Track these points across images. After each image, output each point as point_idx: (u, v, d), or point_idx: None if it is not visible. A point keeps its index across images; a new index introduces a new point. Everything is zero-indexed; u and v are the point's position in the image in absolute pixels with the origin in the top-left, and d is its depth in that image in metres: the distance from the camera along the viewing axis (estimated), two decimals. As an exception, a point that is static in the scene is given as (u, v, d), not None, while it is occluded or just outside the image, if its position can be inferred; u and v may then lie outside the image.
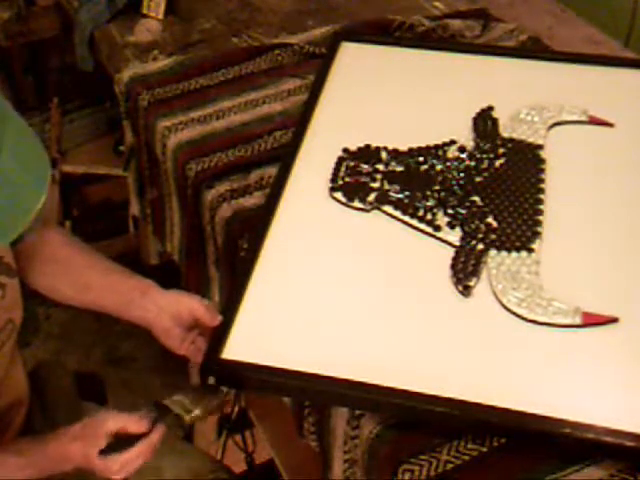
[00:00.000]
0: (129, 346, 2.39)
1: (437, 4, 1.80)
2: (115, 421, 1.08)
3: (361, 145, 1.36)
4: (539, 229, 1.22)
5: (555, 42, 1.68)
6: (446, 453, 1.02)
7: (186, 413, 1.08)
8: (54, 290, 1.24)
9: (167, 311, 1.16)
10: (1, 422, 1.22)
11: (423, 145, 1.35)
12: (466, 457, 1.02)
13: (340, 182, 1.30)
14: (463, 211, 1.24)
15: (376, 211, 1.26)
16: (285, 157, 1.36)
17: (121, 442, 1.07)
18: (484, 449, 1.02)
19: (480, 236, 1.21)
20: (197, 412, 1.09)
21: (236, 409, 1.79)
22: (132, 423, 1.07)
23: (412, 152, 1.34)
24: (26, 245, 1.20)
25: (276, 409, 1.59)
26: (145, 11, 1.77)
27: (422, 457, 1.01)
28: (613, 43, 1.71)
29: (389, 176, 1.31)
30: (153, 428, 1.07)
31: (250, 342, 1.10)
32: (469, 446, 1.02)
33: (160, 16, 1.76)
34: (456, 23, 1.69)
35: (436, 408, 1.01)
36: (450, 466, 1.01)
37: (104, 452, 1.06)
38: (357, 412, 1.07)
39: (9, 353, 1.19)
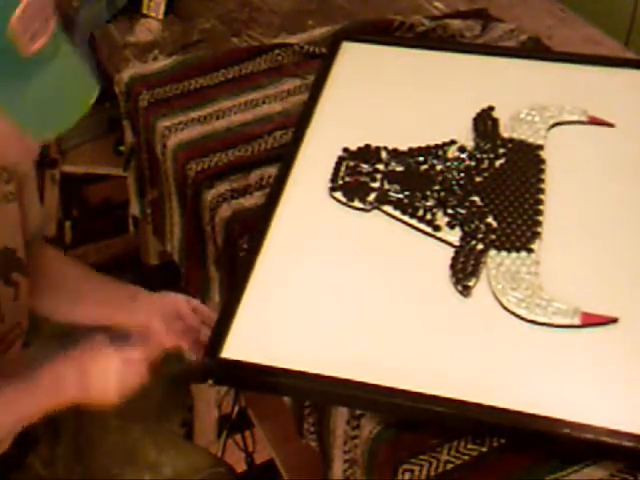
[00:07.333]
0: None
1: (437, 4, 1.80)
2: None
3: (361, 145, 1.36)
4: (539, 229, 1.22)
5: (555, 42, 1.68)
6: (446, 453, 1.02)
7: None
8: (47, 306, 1.24)
9: (156, 312, 1.16)
10: None
11: (423, 145, 1.35)
12: (466, 457, 1.02)
13: (340, 182, 1.30)
14: (463, 211, 1.24)
15: (376, 211, 1.27)
16: (285, 157, 1.36)
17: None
18: (484, 449, 1.02)
19: (480, 236, 1.21)
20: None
21: (236, 409, 1.79)
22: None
23: (412, 152, 1.34)
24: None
25: (276, 409, 1.59)
26: (145, 11, 1.77)
27: (422, 457, 1.01)
28: (613, 43, 1.71)
29: (389, 176, 1.31)
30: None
31: (250, 341, 1.10)
32: (469, 446, 1.02)
33: (160, 16, 1.76)
34: (456, 23, 1.69)
35: (435, 408, 1.02)
36: (450, 466, 1.01)
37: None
38: (357, 412, 1.07)
39: (15, 357, 1.19)
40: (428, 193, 1.27)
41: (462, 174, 1.30)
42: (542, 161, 1.33)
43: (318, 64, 1.57)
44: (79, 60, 0.95)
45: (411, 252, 1.21)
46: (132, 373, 1.06)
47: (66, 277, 1.25)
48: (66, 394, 1.06)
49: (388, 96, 1.47)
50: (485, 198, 1.26)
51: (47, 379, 1.06)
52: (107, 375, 1.05)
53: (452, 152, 1.34)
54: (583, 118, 1.40)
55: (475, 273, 1.16)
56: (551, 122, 1.39)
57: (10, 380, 1.08)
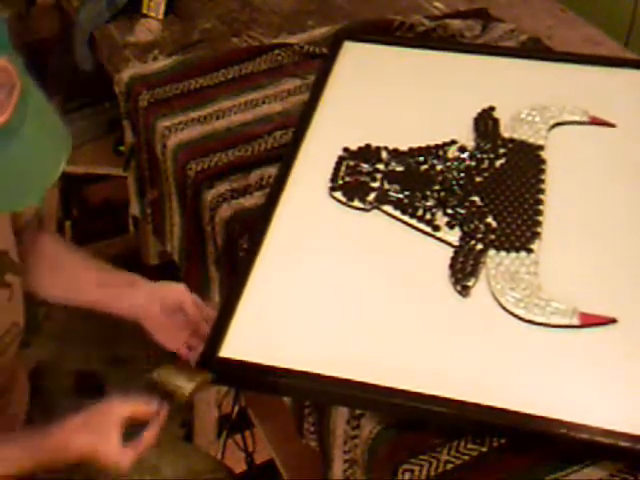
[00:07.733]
0: (129, 346, 2.38)
1: (437, 4, 1.80)
2: (124, 408, 1.06)
3: (361, 144, 1.36)
4: (538, 229, 1.22)
5: (555, 42, 1.68)
6: (446, 453, 1.02)
7: (178, 390, 1.07)
8: (44, 288, 1.25)
9: (155, 301, 1.17)
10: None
11: (423, 145, 1.35)
12: (466, 457, 1.02)
13: (340, 182, 1.30)
14: (462, 211, 1.24)
15: (376, 211, 1.27)
16: (285, 157, 1.36)
17: (135, 427, 1.05)
18: (484, 449, 1.02)
19: (479, 236, 1.21)
20: (189, 387, 1.07)
21: (236, 409, 1.79)
22: (142, 407, 1.06)
23: (412, 152, 1.34)
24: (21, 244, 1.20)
25: (276, 409, 1.59)
26: (145, 11, 1.77)
27: (422, 457, 1.01)
28: (613, 43, 1.71)
29: (389, 176, 1.31)
30: (160, 408, 1.06)
31: (248, 341, 1.10)
32: (469, 446, 1.02)
33: (160, 16, 1.76)
34: (456, 23, 1.69)
35: (434, 408, 1.02)
36: (450, 466, 1.01)
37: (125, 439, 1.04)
38: (357, 412, 1.07)
39: (13, 356, 1.20)
40: (428, 193, 1.27)
41: (462, 174, 1.30)
42: (542, 161, 1.33)
43: (318, 64, 1.57)
44: (51, 114, 0.88)
45: (411, 252, 1.21)
46: (142, 453, 1.06)
47: (65, 261, 1.25)
48: (70, 459, 1.07)
49: (389, 96, 1.47)
50: (485, 198, 1.26)
51: (54, 444, 1.06)
52: (118, 465, 1.05)
53: (452, 152, 1.34)
54: (584, 118, 1.40)
55: (474, 273, 1.16)
56: (552, 122, 1.39)
57: (12, 437, 1.10)
